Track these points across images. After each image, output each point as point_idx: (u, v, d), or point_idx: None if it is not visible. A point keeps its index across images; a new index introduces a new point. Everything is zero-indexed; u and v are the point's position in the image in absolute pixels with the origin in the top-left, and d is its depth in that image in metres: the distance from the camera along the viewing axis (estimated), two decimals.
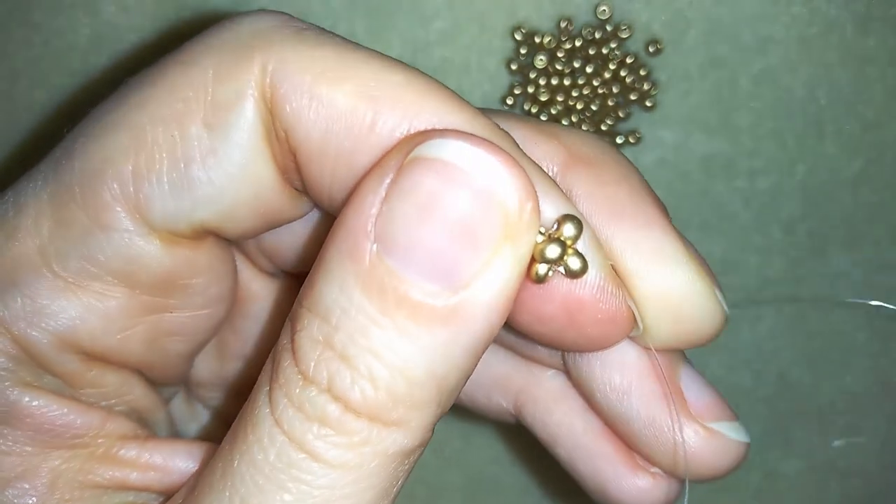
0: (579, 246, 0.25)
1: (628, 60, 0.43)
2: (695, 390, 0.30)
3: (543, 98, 0.43)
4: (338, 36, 0.26)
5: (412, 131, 0.24)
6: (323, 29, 0.26)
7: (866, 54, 0.43)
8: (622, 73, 0.43)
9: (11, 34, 0.43)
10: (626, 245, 0.27)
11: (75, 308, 0.27)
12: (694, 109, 0.44)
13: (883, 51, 0.43)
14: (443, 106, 0.25)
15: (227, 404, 0.34)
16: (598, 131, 0.43)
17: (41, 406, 0.26)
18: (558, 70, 0.43)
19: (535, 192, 0.23)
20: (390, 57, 0.26)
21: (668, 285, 0.27)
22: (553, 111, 0.43)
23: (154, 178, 0.26)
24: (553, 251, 0.24)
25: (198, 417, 0.34)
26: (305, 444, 0.23)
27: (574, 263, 0.25)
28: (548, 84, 0.43)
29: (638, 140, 0.44)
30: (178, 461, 0.27)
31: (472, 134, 0.23)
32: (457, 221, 0.22)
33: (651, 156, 0.44)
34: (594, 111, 0.43)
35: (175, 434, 0.32)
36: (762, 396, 0.47)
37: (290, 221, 0.29)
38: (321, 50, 0.25)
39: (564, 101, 0.43)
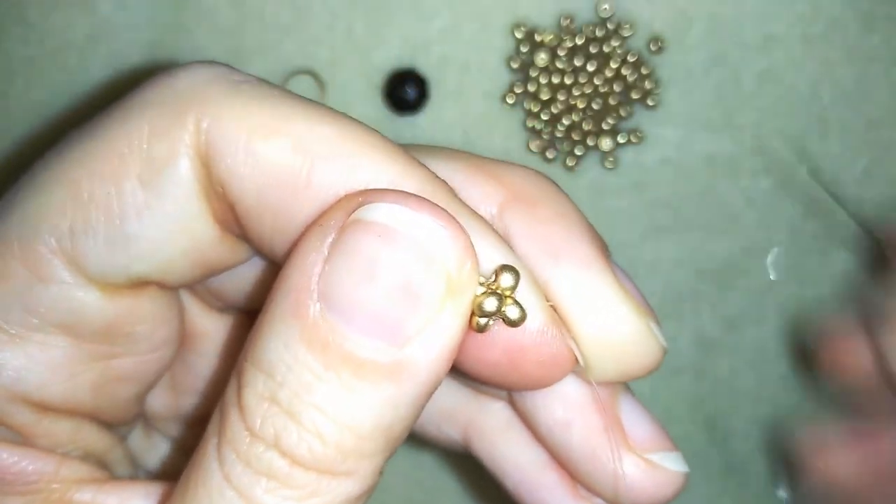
0: (518, 294, 0.25)
1: (630, 58, 0.42)
2: (635, 421, 0.30)
3: (544, 97, 0.43)
4: (277, 87, 0.26)
5: (350, 186, 0.24)
6: (262, 80, 0.26)
7: (870, 52, 0.43)
8: (624, 72, 0.43)
9: (8, 32, 0.43)
10: (563, 286, 0.28)
11: (19, 360, 0.26)
12: (697, 108, 0.43)
13: (887, 48, 0.43)
14: (379, 158, 0.25)
15: (185, 436, 0.34)
16: (599, 130, 0.43)
17: None
18: (559, 68, 0.43)
19: (474, 250, 0.23)
20: (328, 108, 0.26)
21: (606, 325, 0.28)
22: (554, 110, 0.43)
23: (90, 233, 0.26)
24: (491, 304, 0.24)
25: (157, 448, 0.34)
26: (254, 497, 0.23)
27: (512, 313, 0.25)
28: (549, 82, 0.43)
29: (640, 139, 0.43)
30: (134, 503, 0.27)
31: (410, 194, 0.23)
32: (399, 282, 0.22)
33: (654, 155, 0.43)
34: (596, 110, 0.43)
35: (135, 468, 0.32)
36: (765, 397, 0.46)
37: (232, 268, 0.29)
38: (256, 104, 0.25)
39: (566, 100, 0.43)
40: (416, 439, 0.42)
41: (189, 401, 0.33)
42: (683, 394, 0.45)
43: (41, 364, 0.27)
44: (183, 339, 0.31)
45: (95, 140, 0.26)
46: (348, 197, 0.24)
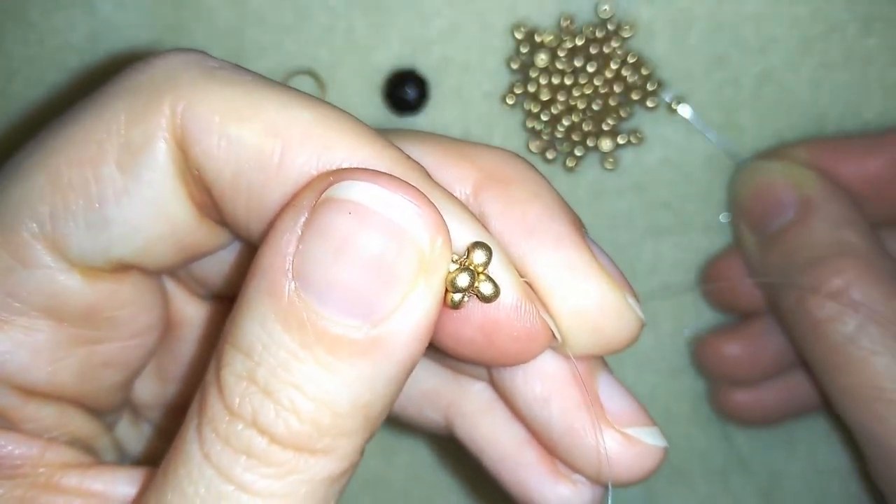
0: (490, 270, 0.25)
1: (630, 59, 0.42)
2: (613, 397, 0.30)
3: (544, 97, 0.42)
4: (250, 73, 0.26)
5: (322, 167, 0.24)
6: (237, 66, 0.26)
7: (869, 54, 0.42)
8: (624, 73, 0.42)
9: (8, 32, 0.42)
10: (538, 262, 0.28)
11: (3, 344, 0.27)
12: (696, 109, 0.43)
13: (885, 51, 0.42)
14: (351, 141, 0.25)
15: (171, 423, 0.34)
16: (599, 131, 0.43)
17: None
18: (559, 69, 0.42)
19: (446, 226, 0.23)
20: (301, 92, 0.26)
21: (582, 297, 0.28)
22: (554, 111, 0.42)
23: (70, 218, 0.26)
24: (464, 280, 0.24)
25: (145, 437, 0.34)
26: (234, 476, 0.23)
27: (486, 289, 0.25)
28: (549, 83, 0.42)
29: (640, 140, 0.43)
30: (119, 487, 0.27)
31: (381, 173, 0.23)
32: (372, 260, 0.23)
33: (654, 155, 0.43)
34: (596, 111, 0.42)
35: (123, 456, 0.32)
36: None
37: (212, 253, 0.29)
38: (230, 89, 0.25)
39: (566, 101, 0.42)
40: (409, 429, 0.41)
41: (174, 388, 0.33)
42: (683, 393, 0.45)
43: (25, 348, 0.27)
44: (168, 327, 0.31)
45: (74, 128, 0.26)
46: (320, 176, 0.24)
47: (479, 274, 0.25)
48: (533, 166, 0.30)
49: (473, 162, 0.29)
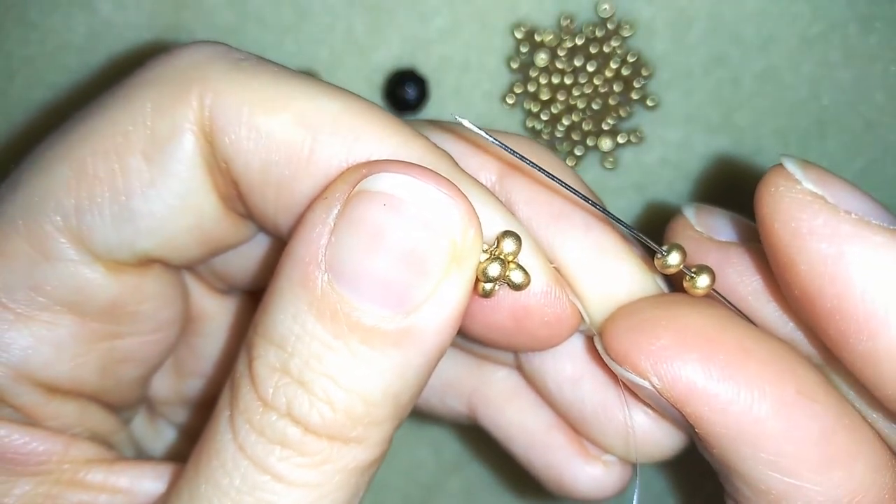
0: (520, 258, 0.25)
1: (630, 59, 0.42)
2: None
3: (544, 97, 0.42)
4: (276, 65, 0.26)
5: (351, 159, 0.24)
6: (262, 58, 0.26)
7: (869, 53, 0.42)
8: (624, 72, 0.42)
9: (8, 33, 0.42)
10: (567, 246, 0.28)
11: (26, 339, 0.26)
12: (696, 108, 0.42)
13: (885, 50, 0.42)
14: (380, 131, 0.25)
15: (190, 421, 0.34)
16: (599, 130, 0.42)
17: (3, 436, 0.26)
18: (559, 68, 0.42)
19: (477, 217, 0.23)
20: (328, 84, 0.25)
21: (613, 280, 0.28)
22: (554, 110, 0.42)
23: (96, 210, 0.25)
24: (494, 269, 0.24)
25: (162, 435, 0.34)
26: (268, 466, 0.23)
27: (517, 277, 0.25)
28: (549, 82, 0.42)
29: (640, 139, 0.42)
30: (145, 483, 0.27)
31: (414, 165, 0.23)
32: (405, 250, 0.22)
33: (653, 155, 0.43)
34: (596, 110, 0.42)
35: (139, 452, 0.32)
36: None
37: (236, 247, 0.29)
38: (258, 80, 0.25)
39: (566, 100, 0.42)
40: (410, 430, 0.41)
41: (192, 384, 0.33)
42: None
43: (48, 343, 0.26)
44: (186, 322, 0.31)
45: (99, 118, 0.25)
46: (352, 169, 0.24)
47: (509, 263, 0.25)
48: (555, 154, 0.30)
49: (498, 150, 0.29)
